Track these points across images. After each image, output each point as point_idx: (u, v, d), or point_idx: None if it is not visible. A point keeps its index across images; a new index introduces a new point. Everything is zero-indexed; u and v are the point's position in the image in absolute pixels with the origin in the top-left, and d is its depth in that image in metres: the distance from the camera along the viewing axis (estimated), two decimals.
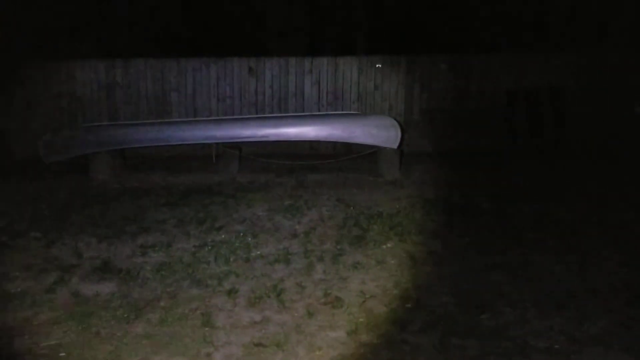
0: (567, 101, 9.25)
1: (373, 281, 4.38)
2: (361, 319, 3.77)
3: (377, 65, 9.40)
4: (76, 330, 3.72)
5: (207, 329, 3.70)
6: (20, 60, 9.25)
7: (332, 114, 8.64)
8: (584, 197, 6.48)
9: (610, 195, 6.54)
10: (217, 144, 8.04)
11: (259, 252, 5.02)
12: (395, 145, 7.65)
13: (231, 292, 4.21)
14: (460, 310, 3.88)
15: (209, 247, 5.12)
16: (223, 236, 5.43)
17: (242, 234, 5.44)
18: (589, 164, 8.05)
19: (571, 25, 10.66)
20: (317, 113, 9.14)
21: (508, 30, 11.64)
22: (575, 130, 9.11)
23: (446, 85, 9.45)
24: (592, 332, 3.56)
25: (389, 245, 5.11)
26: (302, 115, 8.76)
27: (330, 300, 4.07)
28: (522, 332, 3.57)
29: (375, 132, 7.66)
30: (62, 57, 9.63)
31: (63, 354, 3.43)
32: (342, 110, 9.29)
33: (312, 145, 9.37)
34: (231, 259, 4.84)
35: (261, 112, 9.48)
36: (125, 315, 3.90)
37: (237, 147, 8.26)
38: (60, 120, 9.43)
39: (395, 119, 7.84)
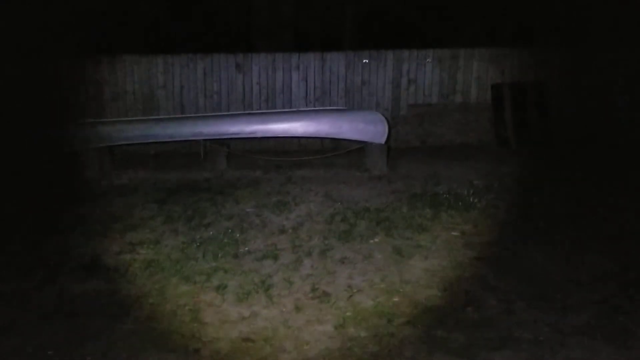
0: (551, 95, 9.32)
1: (360, 275, 4.41)
2: (348, 313, 3.80)
3: (364, 61, 9.42)
4: (64, 328, 3.72)
5: (195, 324, 3.71)
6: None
7: (319, 110, 8.66)
8: (569, 190, 6.54)
9: (595, 187, 6.61)
10: (204, 140, 8.04)
11: (247, 248, 5.04)
12: (382, 141, 7.68)
13: (219, 288, 4.22)
14: (446, 303, 3.92)
15: (198, 244, 5.12)
16: (211, 233, 5.44)
17: (230, 230, 5.45)
18: (574, 156, 8.12)
19: (557, 21, 10.72)
20: (305, 109, 9.15)
21: (494, 25, 11.70)
22: (560, 124, 9.19)
23: (433, 80, 9.49)
24: (576, 323, 3.60)
25: (376, 240, 5.15)
26: (289, 111, 8.77)
27: (317, 294, 4.10)
28: (507, 324, 3.61)
29: (363, 127, 7.69)
30: (48, 54, 9.56)
31: (50, 352, 3.43)
32: (330, 106, 9.31)
33: (300, 142, 9.38)
34: (219, 255, 4.85)
35: (249, 109, 9.47)
36: (114, 313, 3.90)
37: (225, 144, 8.26)
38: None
39: (382, 114, 7.88)
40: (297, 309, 3.89)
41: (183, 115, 9.14)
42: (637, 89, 8.92)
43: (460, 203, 6.07)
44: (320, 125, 7.83)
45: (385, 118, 7.79)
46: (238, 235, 5.34)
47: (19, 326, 3.78)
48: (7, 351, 3.47)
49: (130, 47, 10.28)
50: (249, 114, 8.75)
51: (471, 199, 6.19)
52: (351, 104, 9.47)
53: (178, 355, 3.36)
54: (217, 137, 7.97)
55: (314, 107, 9.39)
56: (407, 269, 4.51)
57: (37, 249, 5.14)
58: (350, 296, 4.06)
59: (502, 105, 9.33)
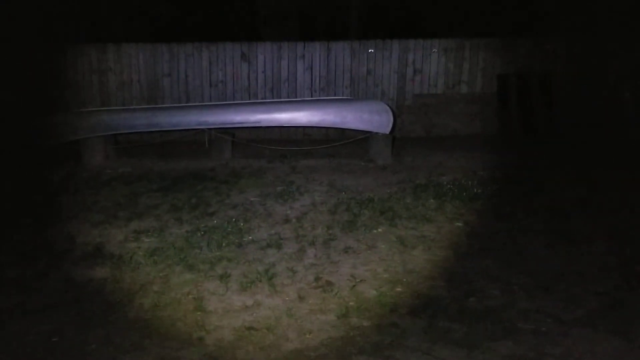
0: (557, 86, 9.28)
1: (363, 265, 4.42)
2: (351, 303, 3.81)
3: (369, 50, 9.39)
4: (69, 315, 3.74)
5: (199, 313, 3.73)
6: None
7: (324, 100, 8.65)
8: (573, 181, 6.53)
9: (599, 179, 6.58)
10: (209, 129, 8.05)
11: (251, 237, 5.06)
12: (387, 131, 7.68)
13: (223, 277, 4.24)
14: (449, 294, 3.92)
15: (202, 232, 5.14)
16: (215, 221, 5.46)
17: (234, 219, 5.47)
18: (579, 147, 8.09)
19: (563, 10, 10.64)
20: (310, 99, 9.15)
21: (499, 14, 11.61)
22: (566, 114, 9.15)
23: (438, 70, 9.46)
24: (579, 315, 3.60)
25: (379, 229, 5.15)
26: (294, 100, 8.77)
27: (321, 284, 4.11)
28: (510, 314, 3.62)
29: (368, 117, 7.69)
30: (54, 41, 9.57)
31: (55, 339, 3.46)
32: (335, 96, 9.29)
33: (305, 131, 9.38)
34: (223, 244, 4.87)
35: (254, 98, 9.47)
36: (118, 300, 3.93)
37: (230, 133, 8.27)
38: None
39: (387, 104, 7.87)
40: (301, 298, 3.91)
41: (188, 104, 9.14)
42: None
43: (464, 193, 6.06)
44: (325, 114, 7.83)
45: (390, 108, 7.79)
46: (242, 224, 5.36)
47: (23, 312, 3.81)
48: (12, 337, 3.50)
49: (135, 35, 10.27)
50: (254, 103, 8.74)
51: (475, 190, 6.19)
52: (356, 94, 9.45)
53: (182, 344, 3.38)
54: (222, 126, 7.98)
55: (319, 96, 9.38)
56: (411, 259, 4.52)
57: (42, 237, 5.18)
58: (354, 286, 4.07)
59: (507, 96, 9.30)
